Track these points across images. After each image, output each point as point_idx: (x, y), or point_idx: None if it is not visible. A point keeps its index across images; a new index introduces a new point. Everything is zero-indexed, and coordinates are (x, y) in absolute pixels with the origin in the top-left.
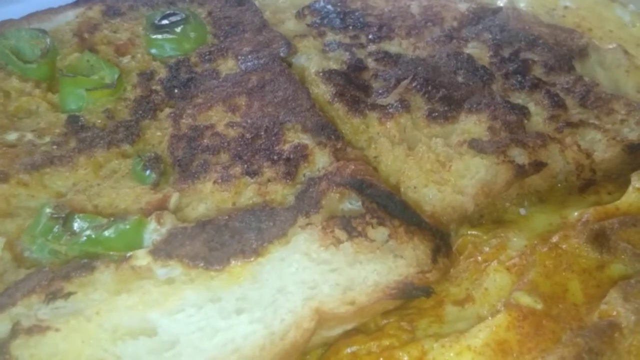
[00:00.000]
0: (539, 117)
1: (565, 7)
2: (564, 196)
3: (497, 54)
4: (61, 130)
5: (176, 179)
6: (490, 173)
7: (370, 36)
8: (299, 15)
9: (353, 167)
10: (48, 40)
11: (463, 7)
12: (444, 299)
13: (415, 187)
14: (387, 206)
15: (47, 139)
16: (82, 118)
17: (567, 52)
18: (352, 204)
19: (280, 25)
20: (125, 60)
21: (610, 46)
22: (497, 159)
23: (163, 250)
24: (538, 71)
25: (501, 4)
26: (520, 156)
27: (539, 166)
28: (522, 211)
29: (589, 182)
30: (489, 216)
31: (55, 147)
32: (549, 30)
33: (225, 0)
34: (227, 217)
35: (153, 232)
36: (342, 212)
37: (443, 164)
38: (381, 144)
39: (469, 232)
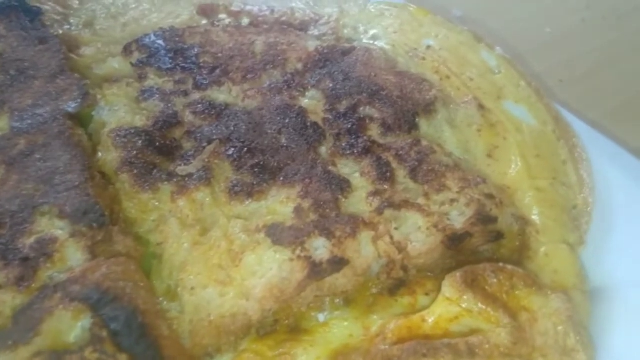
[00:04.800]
0: (362, 192)
1: (428, 47)
2: (374, 298)
3: (333, 108)
4: None
5: None
6: (283, 271)
7: (198, 80)
8: (126, 51)
9: (105, 269)
10: None
11: (312, 46)
12: None
13: (193, 289)
14: (121, 334)
15: None
16: None
17: (412, 107)
18: (84, 328)
19: (103, 64)
20: None
21: (465, 99)
22: (292, 253)
23: None
24: (375, 131)
25: (357, 44)
26: (321, 250)
27: (338, 264)
28: (322, 317)
29: (400, 282)
30: (285, 322)
31: None
32: (396, 79)
33: (24, 39)
34: None
35: None
36: (61, 343)
37: (234, 256)
38: (169, 226)
39: (252, 346)
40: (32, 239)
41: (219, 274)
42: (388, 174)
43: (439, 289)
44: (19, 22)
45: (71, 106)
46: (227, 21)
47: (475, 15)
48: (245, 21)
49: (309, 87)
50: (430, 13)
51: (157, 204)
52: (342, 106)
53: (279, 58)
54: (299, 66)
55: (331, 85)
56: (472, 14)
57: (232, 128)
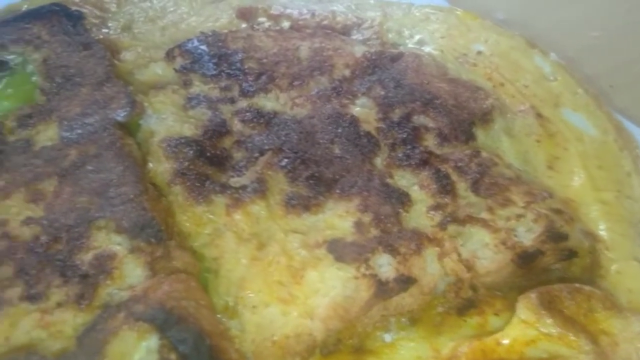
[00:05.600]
0: (422, 206)
1: (479, 53)
2: (441, 317)
3: (387, 117)
4: None
5: None
6: (348, 289)
7: (244, 87)
8: (168, 56)
9: (167, 287)
10: None
11: (359, 51)
12: None
13: (254, 307)
14: (190, 356)
15: None
16: None
17: (467, 116)
18: (149, 348)
19: (145, 70)
20: None
21: (521, 108)
22: (356, 270)
23: None
24: (431, 141)
25: (404, 49)
26: (386, 267)
27: (406, 283)
28: (387, 337)
29: (469, 302)
30: (348, 342)
31: None
32: (449, 87)
33: (68, 44)
34: None
35: None
36: None
37: (295, 273)
38: (225, 240)
39: None
40: (90, 255)
41: (280, 291)
42: (449, 187)
43: (508, 309)
44: (61, 27)
45: (120, 115)
46: (267, 24)
47: (518, 18)
48: (286, 24)
49: (359, 95)
50: (478, 17)
51: (211, 217)
52: (396, 115)
53: (326, 64)
54: (347, 72)
55: (382, 93)
56: (515, 17)
57: (284, 138)
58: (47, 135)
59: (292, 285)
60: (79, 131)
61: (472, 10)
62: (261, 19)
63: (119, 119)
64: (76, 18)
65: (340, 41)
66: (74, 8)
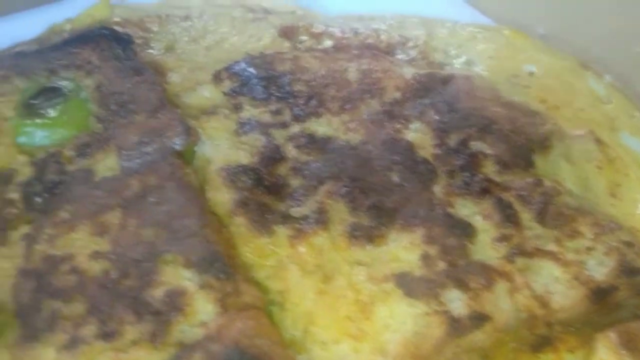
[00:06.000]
0: (486, 237)
1: (530, 74)
2: (515, 354)
3: (443, 143)
4: None
5: (15, 337)
6: (419, 325)
7: (295, 111)
8: (216, 79)
9: (240, 324)
10: None
11: (408, 73)
12: None
13: (324, 343)
14: None
15: None
16: None
17: (525, 142)
18: None
19: (192, 93)
20: None
21: (579, 132)
22: (427, 306)
23: None
24: (490, 168)
25: (453, 71)
26: (457, 302)
27: (479, 320)
28: None
29: (543, 339)
30: None
31: None
32: (506, 111)
33: (119, 70)
34: None
35: None
36: None
37: (363, 308)
38: (290, 273)
39: None
40: (160, 291)
41: (349, 327)
42: (513, 217)
43: (582, 346)
44: (111, 51)
45: (177, 143)
46: (309, 43)
47: (559, 33)
48: (328, 43)
49: (412, 119)
50: (528, 36)
51: (274, 248)
52: (452, 141)
53: (376, 87)
54: (397, 95)
55: (437, 117)
56: (556, 32)
57: (340, 165)
58: (106, 165)
59: (361, 321)
60: (138, 161)
61: (510, 25)
62: (303, 38)
63: (177, 147)
64: (125, 42)
65: (389, 62)
66: (119, 29)
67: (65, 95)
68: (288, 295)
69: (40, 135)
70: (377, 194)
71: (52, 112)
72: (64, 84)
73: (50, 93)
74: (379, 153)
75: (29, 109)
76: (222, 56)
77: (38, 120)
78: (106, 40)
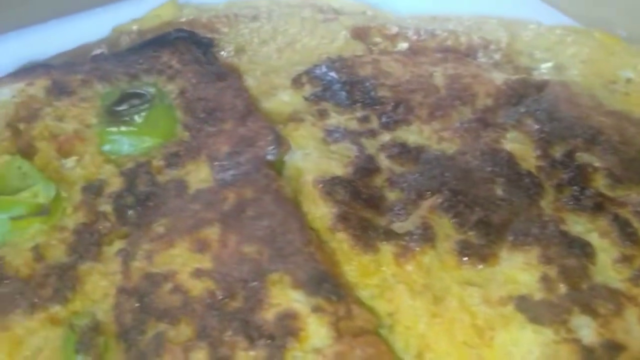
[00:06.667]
0: (606, 257)
1: (628, 81)
2: None
3: (546, 154)
4: None
5: None
6: (546, 355)
7: (383, 119)
8: (296, 83)
9: (360, 352)
10: None
11: (499, 79)
12: None
13: None
14: None
15: None
16: (2, 261)
17: (636, 154)
18: None
19: (272, 98)
20: (69, 164)
21: None
22: (555, 334)
23: None
24: (600, 182)
25: (547, 76)
26: (586, 330)
27: (614, 350)
28: None
29: None
30: None
31: None
32: (611, 120)
33: (202, 74)
34: None
35: None
36: None
37: (481, 332)
38: (398, 293)
39: None
40: (271, 314)
41: (469, 354)
42: (633, 236)
43: None
44: (192, 55)
45: (270, 153)
46: (383, 45)
47: None
48: (403, 45)
49: (509, 128)
50: (620, 40)
51: (377, 266)
52: (556, 152)
53: (466, 93)
54: (489, 102)
55: (536, 126)
56: (638, 34)
57: (439, 177)
58: (199, 176)
59: (481, 348)
60: (232, 172)
61: (592, 26)
62: (376, 39)
63: (270, 157)
64: (206, 45)
65: (476, 67)
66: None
67: (150, 102)
68: (399, 317)
69: (126, 143)
70: (482, 208)
71: (137, 119)
72: (146, 89)
73: (134, 99)
74: (478, 164)
75: (114, 115)
76: (295, 58)
77: (123, 128)
78: (185, 44)
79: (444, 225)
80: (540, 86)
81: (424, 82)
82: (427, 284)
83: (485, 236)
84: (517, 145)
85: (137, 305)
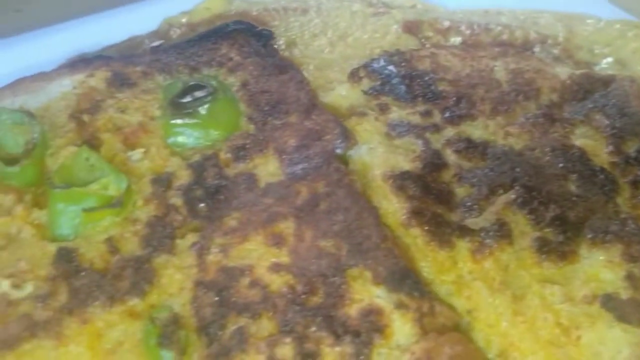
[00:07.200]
0: None
1: None
2: None
3: (619, 150)
4: (48, 273)
5: (203, 356)
6: (636, 354)
7: (446, 113)
8: (353, 77)
9: (449, 350)
10: (36, 130)
11: (563, 74)
12: None
13: None
14: None
15: (29, 288)
16: (76, 253)
17: None
18: None
19: (329, 92)
20: (136, 156)
21: None
22: None
23: None
24: None
25: (611, 71)
26: None
27: None
28: None
29: None
30: None
31: (39, 304)
32: None
33: (263, 67)
34: None
35: None
36: None
37: (566, 331)
38: (476, 290)
39: None
40: (354, 310)
41: (556, 353)
42: None
43: None
44: (252, 47)
45: (339, 146)
46: (435, 39)
47: None
48: (456, 40)
49: (577, 124)
50: None
51: (453, 263)
52: (630, 148)
53: (529, 88)
54: (554, 97)
55: (607, 122)
56: None
57: (509, 172)
58: (268, 169)
59: (567, 347)
60: (302, 166)
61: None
62: (428, 34)
63: (339, 151)
64: (266, 38)
65: (537, 61)
66: (252, 23)
67: (213, 94)
68: (477, 314)
69: (191, 135)
70: (557, 205)
71: (201, 112)
72: (208, 81)
73: (197, 91)
74: (549, 160)
75: (177, 108)
76: (348, 52)
77: (188, 120)
78: (244, 36)
79: (520, 222)
80: (607, 81)
81: (485, 76)
82: (505, 281)
83: (562, 233)
84: (588, 141)
85: (215, 299)
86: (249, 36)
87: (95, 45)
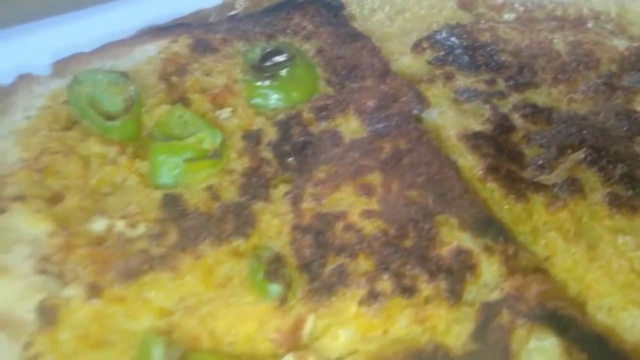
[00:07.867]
0: None
1: None
2: None
3: None
4: (157, 216)
5: (306, 291)
6: None
7: (510, 82)
8: (416, 48)
9: (537, 287)
10: (132, 88)
11: (621, 45)
12: None
13: (610, 309)
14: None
15: (142, 228)
16: (181, 199)
17: None
18: (540, 340)
19: (393, 62)
20: (224, 114)
21: None
22: None
23: None
24: None
25: None
26: None
27: None
28: None
29: None
30: None
31: (153, 242)
32: None
33: (336, 35)
34: None
35: None
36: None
37: None
38: (552, 240)
39: None
40: (445, 250)
41: (632, 295)
42: None
43: None
44: (324, 17)
45: (415, 108)
46: (489, 15)
47: None
48: (510, 16)
49: (638, 92)
50: None
51: (528, 215)
52: None
53: (589, 58)
54: (613, 67)
55: None
56: None
57: (577, 134)
58: (350, 127)
59: None
60: (383, 124)
61: None
62: (482, 10)
63: (416, 112)
64: (336, 8)
65: (595, 34)
66: None
67: (292, 59)
68: (554, 261)
69: (274, 97)
70: (624, 164)
71: (282, 75)
72: (286, 47)
73: (276, 56)
74: (613, 123)
75: (259, 71)
76: (407, 26)
77: (270, 83)
78: (315, 7)
79: (590, 179)
80: None
81: (545, 47)
82: (579, 232)
83: (632, 189)
84: None
85: (313, 241)
86: (320, 7)
87: (164, 18)
